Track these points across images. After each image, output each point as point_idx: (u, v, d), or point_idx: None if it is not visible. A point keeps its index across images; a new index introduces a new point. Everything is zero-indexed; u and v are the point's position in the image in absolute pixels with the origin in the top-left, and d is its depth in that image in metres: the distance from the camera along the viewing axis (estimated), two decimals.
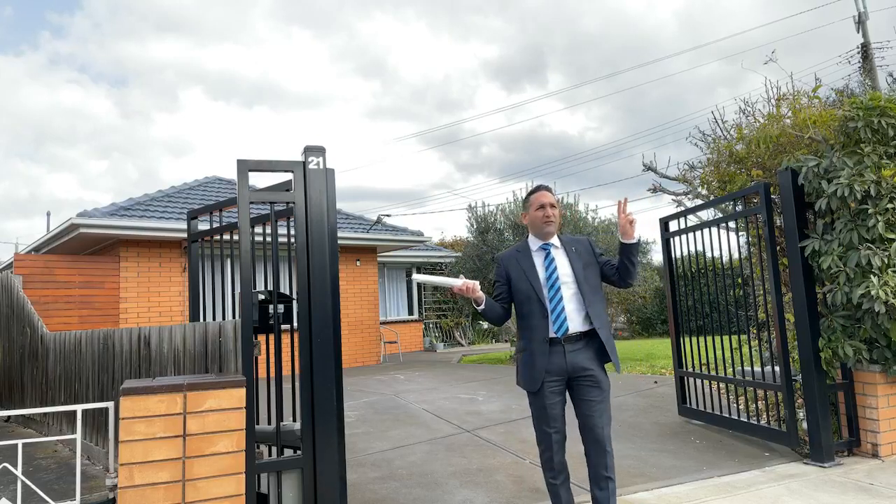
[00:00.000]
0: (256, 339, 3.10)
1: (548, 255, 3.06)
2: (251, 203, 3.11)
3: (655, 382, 8.02)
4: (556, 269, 3.01)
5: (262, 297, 3.26)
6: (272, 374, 3.27)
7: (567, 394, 3.00)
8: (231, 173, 15.13)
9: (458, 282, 2.91)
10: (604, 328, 2.97)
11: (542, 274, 3.02)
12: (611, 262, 3.10)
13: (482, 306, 3.01)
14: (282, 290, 3.52)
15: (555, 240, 3.11)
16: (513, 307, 3.16)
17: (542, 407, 2.95)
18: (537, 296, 2.98)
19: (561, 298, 2.95)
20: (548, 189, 3.19)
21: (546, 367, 2.92)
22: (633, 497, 3.67)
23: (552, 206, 3.09)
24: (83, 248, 10.32)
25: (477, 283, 2.94)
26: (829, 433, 4.28)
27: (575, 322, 2.94)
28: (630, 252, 2.97)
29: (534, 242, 3.14)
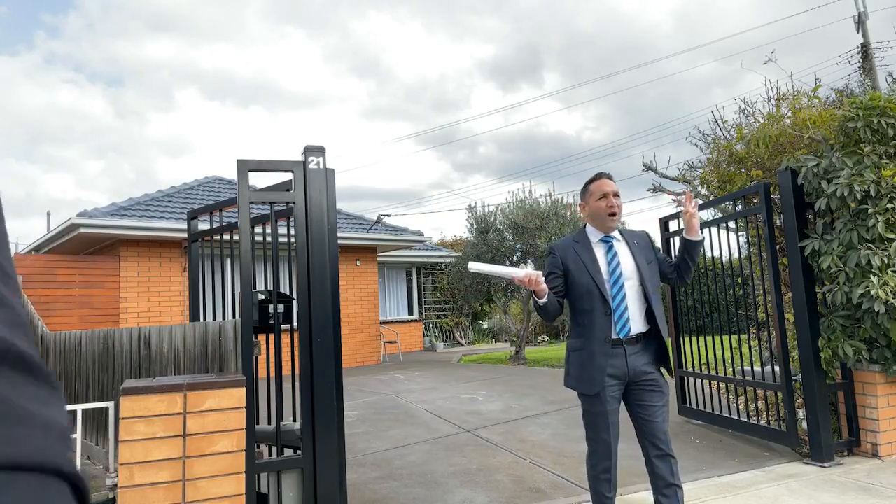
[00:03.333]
0: (256, 338, 3.10)
1: (610, 247, 2.83)
2: (251, 203, 3.11)
3: None
4: (619, 263, 2.78)
5: (262, 296, 3.26)
6: (272, 374, 3.27)
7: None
8: (230, 173, 15.14)
9: (521, 272, 2.62)
10: (664, 329, 2.78)
11: (604, 268, 2.77)
12: (668, 260, 2.96)
13: (544, 300, 2.67)
14: (282, 290, 3.52)
15: (616, 232, 2.88)
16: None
17: (602, 413, 2.71)
18: (600, 291, 2.73)
19: (624, 296, 2.73)
20: (609, 177, 2.91)
21: (606, 370, 2.70)
22: (633, 497, 3.67)
23: (616, 194, 2.83)
24: (83, 248, 10.32)
25: (541, 273, 2.64)
26: (829, 433, 4.28)
27: (637, 322, 2.74)
28: (694, 249, 2.83)
29: (594, 234, 2.88)
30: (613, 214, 2.81)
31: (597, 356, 2.71)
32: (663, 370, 2.82)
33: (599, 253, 2.82)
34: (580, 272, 2.79)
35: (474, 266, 2.69)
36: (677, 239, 5.73)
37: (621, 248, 2.83)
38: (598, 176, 2.91)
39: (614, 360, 2.71)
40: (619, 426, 2.77)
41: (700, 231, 2.82)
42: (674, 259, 2.94)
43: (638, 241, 2.89)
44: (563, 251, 2.88)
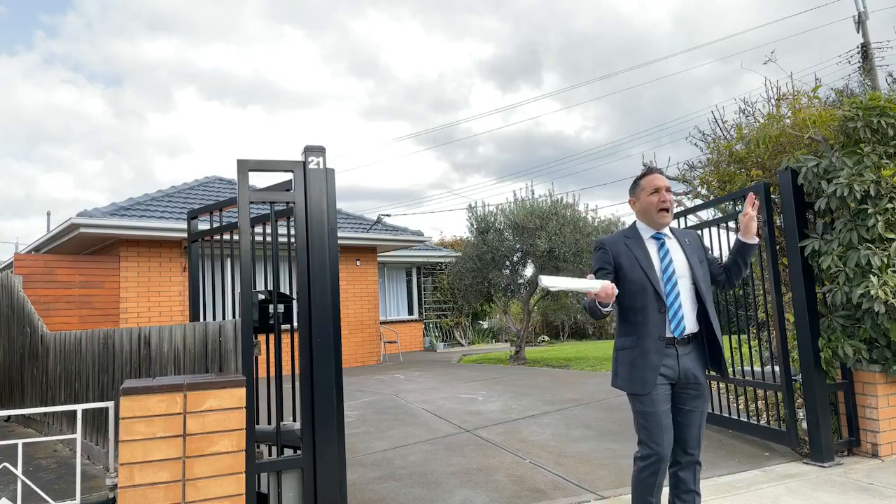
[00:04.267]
0: (256, 338, 3.10)
1: (662, 244, 2.77)
2: (251, 203, 3.11)
3: None
4: (672, 260, 2.71)
5: (262, 296, 3.26)
6: (272, 374, 3.27)
7: None
8: (230, 173, 15.15)
9: (598, 285, 2.49)
10: (718, 330, 2.72)
11: (657, 265, 2.71)
12: (717, 261, 2.89)
13: (608, 308, 2.59)
14: (282, 290, 3.52)
15: (667, 230, 2.81)
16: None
17: (654, 414, 2.61)
18: (654, 288, 2.65)
19: (678, 294, 2.66)
20: (660, 172, 2.85)
21: (660, 369, 2.63)
22: None
23: (668, 190, 2.78)
24: (83, 247, 10.32)
25: (614, 286, 2.54)
26: (829, 433, 4.28)
27: (690, 322, 2.67)
28: (748, 252, 2.79)
29: (645, 230, 2.80)
30: (666, 210, 2.76)
31: (650, 354, 2.63)
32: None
33: (652, 249, 2.75)
34: (633, 268, 2.71)
35: (548, 281, 2.50)
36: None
37: (673, 245, 2.78)
38: (650, 171, 2.86)
39: (667, 360, 2.64)
40: (671, 430, 2.65)
41: (756, 235, 2.76)
42: (724, 261, 2.89)
43: (689, 240, 2.85)
44: (613, 247, 2.78)
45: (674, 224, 2.95)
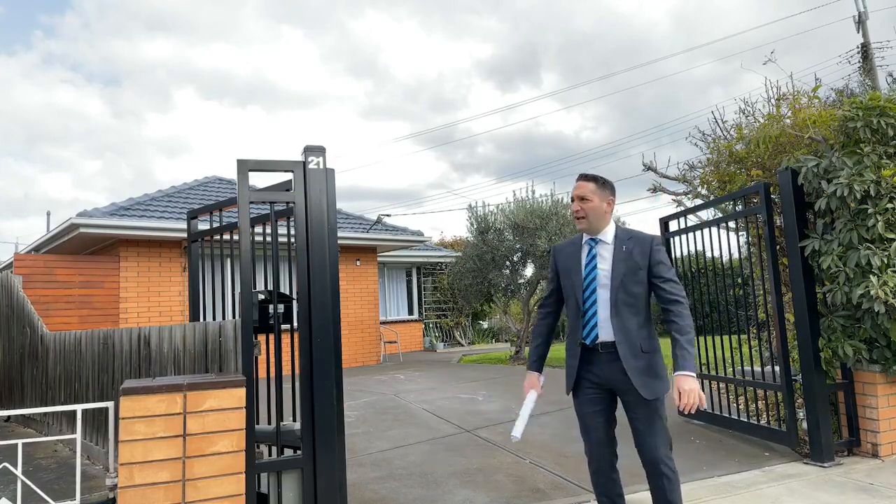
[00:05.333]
0: (256, 338, 3.10)
1: (590, 251, 2.78)
2: (251, 203, 3.11)
3: None
4: (595, 266, 2.73)
5: (262, 296, 3.26)
6: (272, 374, 3.27)
7: (615, 406, 2.79)
8: (230, 173, 15.15)
9: (530, 398, 2.81)
10: (625, 343, 2.62)
11: (583, 270, 2.76)
12: (664, 291, 2.65)
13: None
14: (282, 290, 3.52)
15: (605, 234, 2.77)
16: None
17: (581, 416, 2.78)
18: (575, 294, 2.75)
19: (595, 301, 2.68)
20: (585, 178, 2.80)
21: (581, 373, 2.73)
22: (633, 497, 3.66)
23: (581, 198, 2.76)
24: (83, 247, 10.32)
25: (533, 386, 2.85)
26: (829, 433, 4.28)
27: (604, 330, 2.67)
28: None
29: (585, 236, 2.84)
30: (577, 218, 2.80)
31: (572, 359, 2.78)
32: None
33: (584, 255, 2.80)
34: (566, 275, 2.84)
35: (518, 430, 2.74)
36: (678, 239, 5.75)
37: (605, 251, 2.74)
38: (577, 178, 2.85)
39: (593, 367, 2.72)
40: (601, 432, 2.75)
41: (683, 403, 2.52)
42: (668, 294, 2.67)
43: (630, 246, 2.70)
44: (559, 253, 2.92)
45: (630, 228, 2.87)
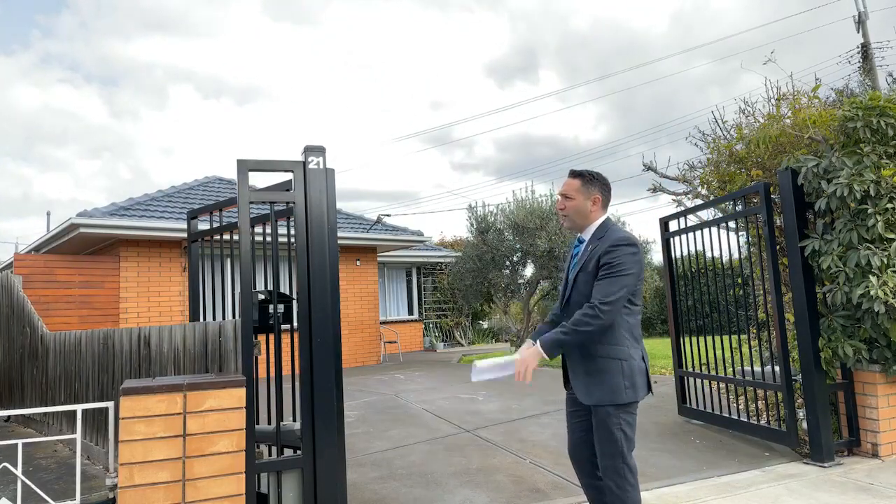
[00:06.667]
0: (256, 338, 3.10)
1: (575, 249, 2.78)
2: (251, 203, 3.11)
3: (655, 382, 8.00)
4: (570, 268, 2.75)
5: (262, 296, 3.26)
6: (272, 374, 3.27)
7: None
8: (230, 173, 15.14)
9: (514, 359, 2.59)
10: (572, 350, 2.59)
11: (567, 271, 2.78)
12: (596, 288, 2.54)
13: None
14: (282, 290, 3.52)
15: (587, 232, 2.71)
16: None
17: (566, 413, 2.78)
18: (560, 295, 2.80)
19: (570, 302, 2.69)
20: (572, 175, 2.75)
21: (566, 373, 2.72)
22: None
23: (563, 196, 2.73)
24: (83, 247, 10.32)
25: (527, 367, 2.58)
26: (829, 433, 4.28)
27: None
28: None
29: (577, 233, 2.82)
30: (562, 216, 2.79)
31: (564, 360, 2.78)
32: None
33: (573, 255, 2.81)
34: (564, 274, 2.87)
35: (477, 373, 2.62)
36: (678, 239, 5.75)
37: (581, 252, 2.71)
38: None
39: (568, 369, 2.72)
40: (577, 433, 2.71)
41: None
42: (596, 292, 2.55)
43: (596, 247, 2.60)
44: (568, 253, 2.95)
45: (619, 228, 2.72)
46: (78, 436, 3.57)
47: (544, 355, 2.50)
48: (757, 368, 5.13)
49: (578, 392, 2.59)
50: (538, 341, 2.52)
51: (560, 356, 2.74)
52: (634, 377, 2.52)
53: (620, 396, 2.49)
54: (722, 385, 5.68)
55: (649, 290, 19.98)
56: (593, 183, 2.70)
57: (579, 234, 2.78)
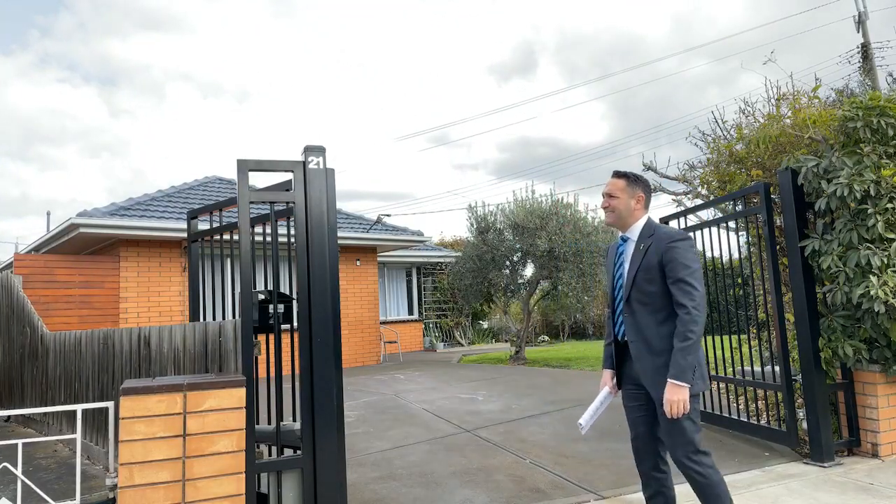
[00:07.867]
0: (256, 338, 3.10)
1: (620, 249, 2.87)
2: (251, 203, 3.11)
3: None
4: (622, 265, 2.81)
5: (262, 296, 3.26)
6: (272, 374, 3.27)
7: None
8: (230, 173, 15.14)
9: (602, 393, 2.84)
10: (638, 342, 2.67)
11: (613, 270, 2.86)
12: (673, 293, 2.59)
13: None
14: (282, 290, 3.52)
15: (632, 231, 2.80)
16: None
17: (625, 409, 2.85)
18: (609, 293, 2.88)
19: (621, 299, 2.76)
20: (617, 175, 2.85)
21: (621, 369, 2.82)
22: (633, 497, 3.67)
23: (608, 195, 2.83)
24: (83, 247, 10.32)
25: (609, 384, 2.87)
26: (829, 433, 4.28)
27: (626, 328, 2.76)
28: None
29: (621, 232, 2.90)
30: (606, 212, 2.88)
31: (606, 356, 2.92)
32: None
33: (616, 255, 2.90)
34: (606, 273, 2.97)
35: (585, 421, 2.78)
36: None
37: (630, 248, 2.79)
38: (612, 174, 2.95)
39: (625, 363, 2.81)
40: (640, 427, 2.77)
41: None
42: (679, 297, 2.60)
43: (648, 244, 2.69)
44: (609, 252, 3.00)
45: (663, 225, 2.91)
46: (78, 436, 3.57)
47: (685, 386, 2.50)
48: (757, 368, 5.13)
49: (649, 386, 2.65)
50: (669, 379, 2.51)
51: (612, 355, 2.86)
52: (701, 368, 2.62)
53: (692, 387, 2.57)
54: (722, 385, 5.68)
55: None
56: (637, 183, 2.83)
57: (622, 233, 2.87)
